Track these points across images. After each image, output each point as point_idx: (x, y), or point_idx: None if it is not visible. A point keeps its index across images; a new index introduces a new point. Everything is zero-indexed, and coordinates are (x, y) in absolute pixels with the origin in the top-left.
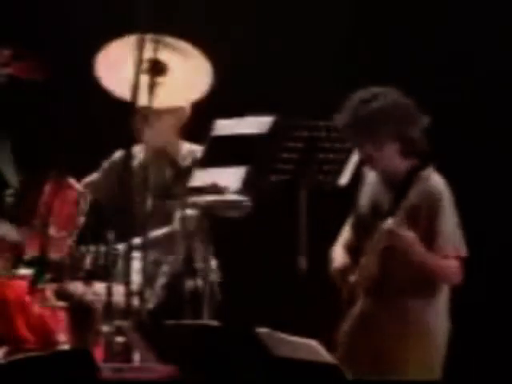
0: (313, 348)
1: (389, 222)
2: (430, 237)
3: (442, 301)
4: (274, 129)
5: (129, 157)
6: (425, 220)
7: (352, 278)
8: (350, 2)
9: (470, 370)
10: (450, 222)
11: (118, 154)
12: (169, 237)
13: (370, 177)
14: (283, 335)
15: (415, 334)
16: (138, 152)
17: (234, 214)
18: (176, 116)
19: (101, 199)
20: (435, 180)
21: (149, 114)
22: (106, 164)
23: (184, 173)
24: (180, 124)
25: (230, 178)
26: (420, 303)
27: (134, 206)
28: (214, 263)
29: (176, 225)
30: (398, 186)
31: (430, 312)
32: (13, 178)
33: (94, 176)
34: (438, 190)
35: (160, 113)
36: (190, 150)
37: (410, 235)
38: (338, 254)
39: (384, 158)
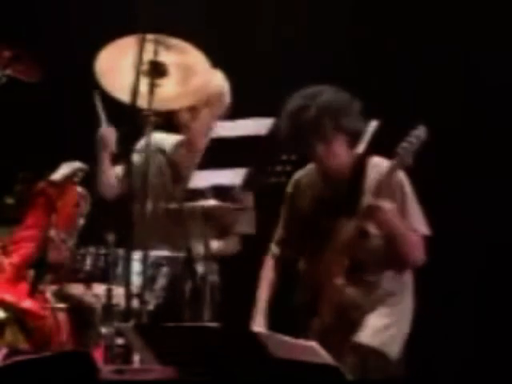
0: (312, 349)
1: (369, 198)
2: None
3: (408, 282)
4: (274, 130)
5: (129, 160)
6: (395, 202)
7: None
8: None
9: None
10: (414, 200)
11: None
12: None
13: (303, 180)
14: (283, 336)
15: (387, 303)
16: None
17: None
18: (213, 109)
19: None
20: (381, 160)
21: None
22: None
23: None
24: (219, 115)
25: (230, 179)
26: (390, 281)
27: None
28: (214, 265)
29: None
30: (347, 179)
31: (400, 288)
32: None
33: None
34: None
35: (195, 109)
36: None
37: (391, 207)
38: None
39: (334, 154)
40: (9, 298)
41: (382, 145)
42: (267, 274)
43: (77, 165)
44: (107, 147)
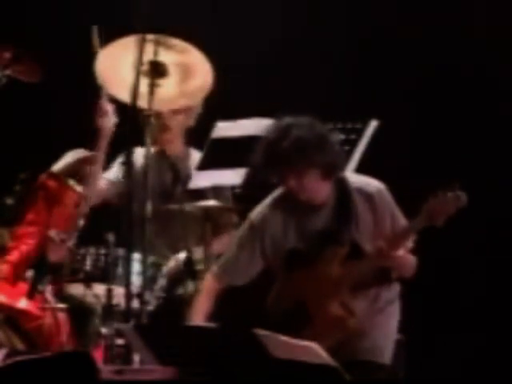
0: (312, 350)
1: (380, 243)
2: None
3: (397, 286)
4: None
5: (129, 160)
6: (387, 221)
7: None
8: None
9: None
10: (401, 216)
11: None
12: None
13: (271, 213)
14: (283, 337)
15: (385, 311)
16: (140, 154)
17: None
18: (187, 116)
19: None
20: (364, 182)
21: (163, 114)
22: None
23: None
24: (188, 124)
25: (230, 179)
26: (388, 290)
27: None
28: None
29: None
30: (332, 206)
31: (395, 294)
32: None
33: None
34: (377, 189)
35: (172, 113)
36: (192, 156)
37: (401, 255)
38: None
39: (305, 187)
40: (1, 298)
41: (381, 145)
42: (207, 300)
43: (82, 153)
44: (104, 137)
